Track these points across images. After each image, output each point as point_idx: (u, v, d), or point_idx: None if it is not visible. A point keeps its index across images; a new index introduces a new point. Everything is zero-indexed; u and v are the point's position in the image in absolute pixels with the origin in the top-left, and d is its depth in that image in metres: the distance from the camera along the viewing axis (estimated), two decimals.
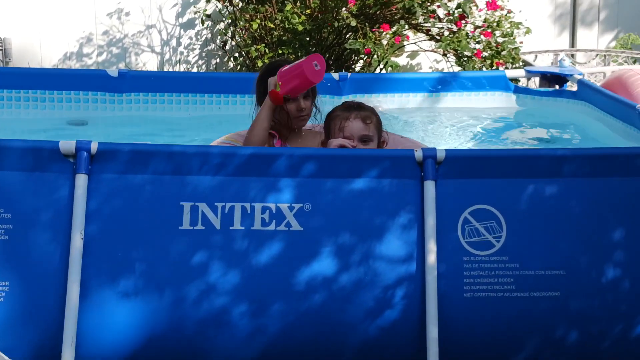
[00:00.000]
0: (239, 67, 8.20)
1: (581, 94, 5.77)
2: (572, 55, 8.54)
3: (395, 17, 7.49)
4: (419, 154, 3.30)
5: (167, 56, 8.65)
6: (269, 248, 3.22)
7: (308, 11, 7.59)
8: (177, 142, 4.57)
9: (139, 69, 8.53)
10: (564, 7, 9.07)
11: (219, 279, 3.20)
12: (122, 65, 8.56)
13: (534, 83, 6.69)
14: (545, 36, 8.94)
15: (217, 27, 8.54)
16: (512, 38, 7.41)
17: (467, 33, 7.37)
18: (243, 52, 7.98)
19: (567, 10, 9.09)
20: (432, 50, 7.89)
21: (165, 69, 8.63)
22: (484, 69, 7.25)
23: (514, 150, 4.32)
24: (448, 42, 7.26)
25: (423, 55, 8.67)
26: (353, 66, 7.94)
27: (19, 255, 3.20)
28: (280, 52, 7.49)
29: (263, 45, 7.59)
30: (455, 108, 6.00)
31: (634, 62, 8.25)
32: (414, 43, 7.91)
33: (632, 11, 9.12)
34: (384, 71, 7.63)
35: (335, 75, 5.79)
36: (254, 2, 7.82)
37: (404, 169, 3.30)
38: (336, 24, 7.46)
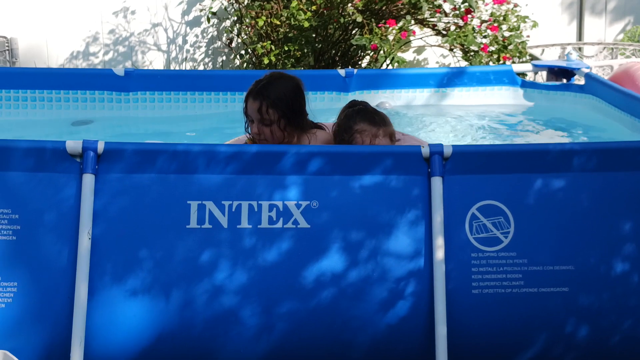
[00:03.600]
0: (245, 65, 8.19)
1: (589, 87, 5.75)
2: (580, 49, 8.51)
3: (401, 13, 7.48)
4: (425, 150, 3.29)
5: (173, 54, 8.65)
6: (276, 246, 3.22)
7: (314, 7, 7.58)
8: (184, 141, 4.57)
9: (146, 68, 8.54)
10: None
11: (226, 278, 3.19)
12: (128, 64, 8.57)
13: (541, 77, 6.66)
14: (553, 28, 8.90)
15: (223, 24, 8.54)
16: (518, 32, 7.39)
17: (473, 27, 7.35)
18: (249, 50, 7.97)
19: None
20: (439, 46, 7.87)
21: (172, 67, 8.63)
22: (490, 63, 7.23)
23: (521, 145, 4.30)
24: (454, 37, 7.25)
25: (429, 51, 8.66)
26: (359, 62, 7.93)
27: (27, 256, 3.20)
28: (286, 48, 7.48)
29: (269, 42, 7.58)
30: (462, 103, 5.98)
31: None
32: (421, 38, 7.89)
33: None
34: (390, 67, 7.62)
35: (342, 72, 5.78)
36: None
37: (411, 165, 3.29)
38: (342, 20, 7.44)
